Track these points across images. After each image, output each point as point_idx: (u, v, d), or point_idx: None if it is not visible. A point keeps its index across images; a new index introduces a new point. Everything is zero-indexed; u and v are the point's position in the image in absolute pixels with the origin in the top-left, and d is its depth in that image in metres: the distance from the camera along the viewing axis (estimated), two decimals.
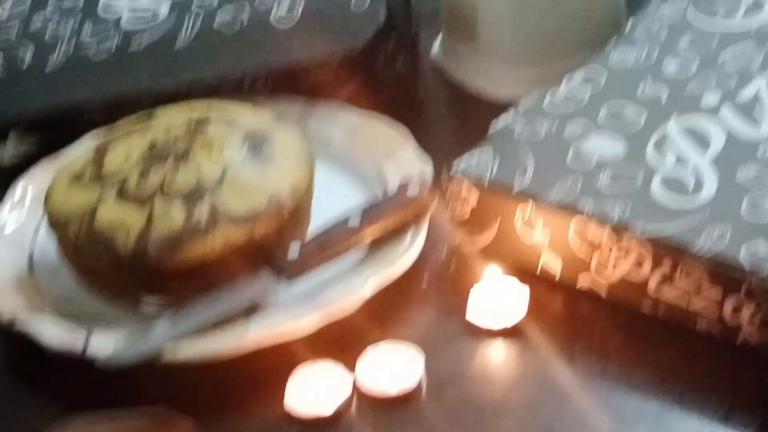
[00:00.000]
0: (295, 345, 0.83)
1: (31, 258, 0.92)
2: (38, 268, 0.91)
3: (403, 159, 0.96)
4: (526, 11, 1.05)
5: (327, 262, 0.87)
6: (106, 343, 0.82)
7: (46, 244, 0.91)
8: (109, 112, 1.00)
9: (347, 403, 0.80)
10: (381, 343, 0.83)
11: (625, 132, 0.90)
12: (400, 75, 1.05)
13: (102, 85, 1.03)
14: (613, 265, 0.84)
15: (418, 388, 0.81)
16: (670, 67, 0.96)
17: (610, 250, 0.83)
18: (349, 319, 0.84)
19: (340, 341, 0.84)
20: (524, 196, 0.86)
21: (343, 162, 0.98)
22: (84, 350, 0.81)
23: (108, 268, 0.85)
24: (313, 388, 0.80)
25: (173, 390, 0.82)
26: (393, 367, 0.82)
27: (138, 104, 0.99)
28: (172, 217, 0.84)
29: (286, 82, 1.03)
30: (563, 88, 0.95)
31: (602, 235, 0.83)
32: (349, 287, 0.85)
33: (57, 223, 0.87)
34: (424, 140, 0.98)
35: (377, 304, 0.86)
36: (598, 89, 0.95)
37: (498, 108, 0.97)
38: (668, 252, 0.81)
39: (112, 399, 0.82)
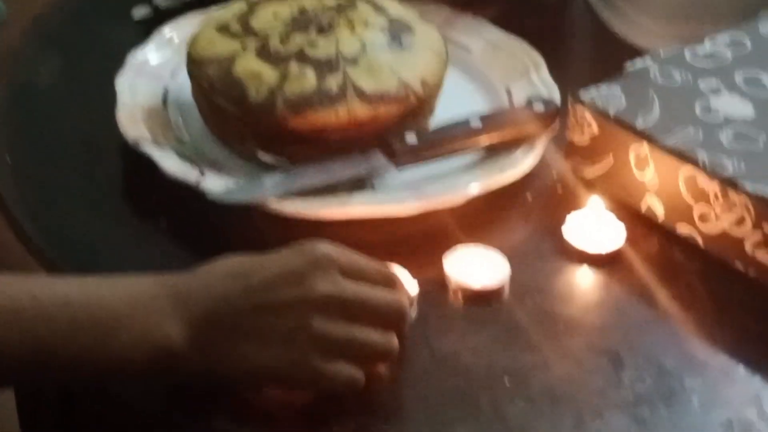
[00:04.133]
0: (392, 226, 0.86)
1: (165, 94, 0.96)
2: (171, 104, 0.95)
3: (533, 82, 0.98)
4: None
5: (441, 157, 0.90)
6: (218, 184, 0.86)
7: (184, 85, 0.95)
8: None
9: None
10: (473, 244, 0.86)
11: (758, 98, 0.91)
12: (549, 5, 1.07)
13: None
14: (715, 218, 0.85)
15: (501, 290, 0.83)
16: None
17: (716, 203, 0.84)
18: (447, 215, 0.87)
19: (432, 236, 0.87)
20: (644, 135, 0.88)
21: (476, 72, 1.01)
22: (198, 183, 0.86)
23: (235, 114, 0.89)
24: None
25: (267, 239, 0.86)
26: (480, 267, 0.84)
27: None
28: (304, 80, 0.88)
29: None
30: (706, 46, 0.96)
31: (711, 187, 0.84)
32: (456, 183, 0.88)
33: (197, 63, 0.91)
34: (558, 69, 1.00)
35: (477, 208, 0.89)
36: (739, 53, 0.95)
37: (636, 53, 0.99)
38: None
39: (216, 228, 0.87)
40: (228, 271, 0.74)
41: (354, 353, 0.73)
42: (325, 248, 0.75)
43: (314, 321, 0.72)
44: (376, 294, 0.75)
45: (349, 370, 0.72)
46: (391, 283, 0.76)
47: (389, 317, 0.75)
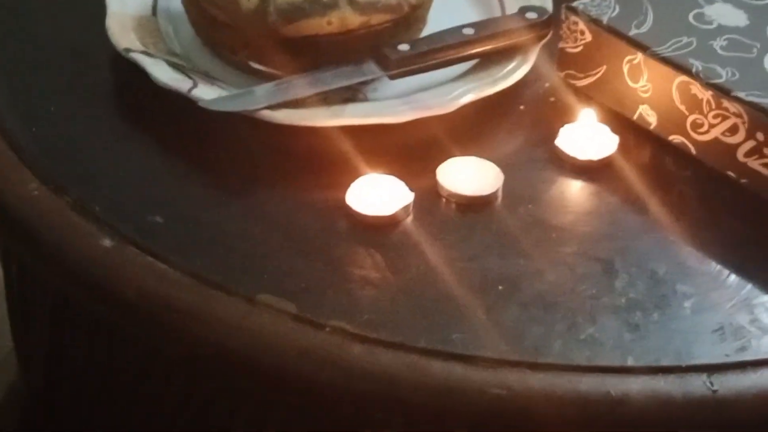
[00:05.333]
0: (385, 136, 0.86)
1: (155, 3, 0.95)
2: (161, 13, 0.95)
3: None
4: None
5: (434, 67, 0.90)
6: (210, 93, 0.86)
7: None
8: None
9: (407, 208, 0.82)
10: (465, 157, 0.86)
11: (752, 6, 0.91)
12: None
13: None
14: (708, 126, 0.85)
15: (493, 198, 0.83)
16: None
17: (709, 111, 0.85)
18: (440, 126, 0.87)
19: (426, 148, 0.87)
20: (637, 43, 0.87)
21: None
22: (189, 92, 0.85)
23: (227, 23, 0.88)
24: (374, 195, 0.82)
25: (257, 150, 0.86)
26: (473, 176, 0.84)
27: None
28: None
29: None
30: None
31: (704, 95, 0.84)
32: (448, 92, 0.88)
33: None
34: None
35: (470, 119, 0.89)
36: None
37: None
38: (765, 123, 0.82)
39: (205, 136, 0.86)
40: None
41: None
42: None
43: None
44: None
45: None
46: None
47: None
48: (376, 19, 0.88)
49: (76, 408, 0.96)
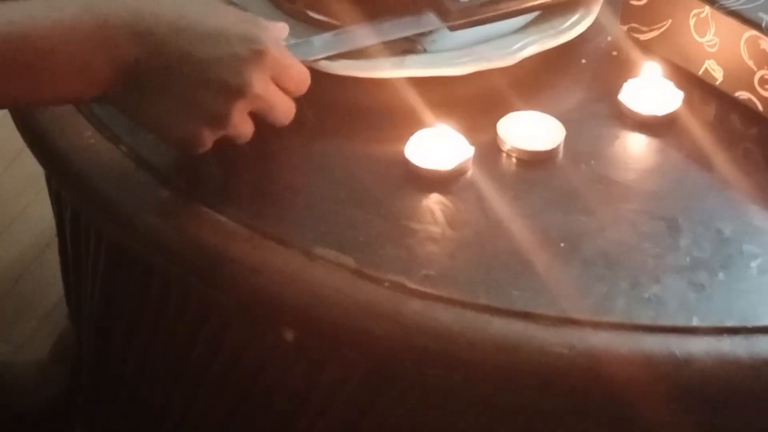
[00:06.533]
0: (445, 88, 0.84)
1: None
2: None
3: None
4: None
5: (494, 18, 0.88)
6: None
7: None
8: None
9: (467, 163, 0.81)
10: (526, 111, 0.84)
11: None
12: None
13: None
14: None
15: (555, 153, 0.82)
16: None
17: None
18: (501, 79, 0.86)
19: (486, 101, 0.85)
20: None
21: None
22: None
23: None
24: (433, 149, 0.81)
25: (315, 101, 0.84)
26: (534, 131, 0.83)
27: None
28: None
29: None
30: None
31: None
32: (509, 44, 0.86)
33: None
34: None
35: (531, 72, 0.87)
36: None
37: None
38: None
39: None
40: (174, 25, 0.74)
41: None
42: (271, 48, 0.76)
43: (236, 109, 0.75)
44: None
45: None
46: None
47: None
48: None
49: (126, 360, 0.95)
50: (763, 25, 0.82)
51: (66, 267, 1.04)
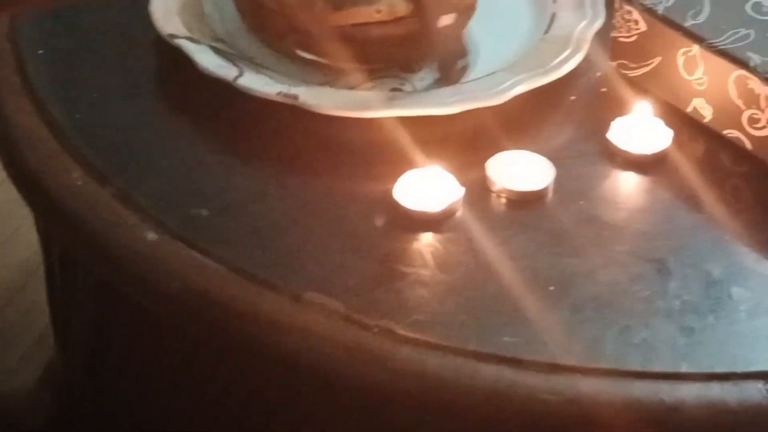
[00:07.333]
0: (435, 127, 0.84)
1: None
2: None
3: None
4: None
5: None
6: (256, 81, 0.84)
7: None
8: None
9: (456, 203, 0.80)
10: (515, 150, 0.84)
11: None
12: None
13: None
14: (765, 122, 0.83)
15: (544, 194, 0.82)
16: None
17: (767, 107, 0.82)
18: (491, 117, 0.85)
19: (475, 140, 0.85)
20: (693, 35, 0.85)
21: None
22: (235, 79, 0.84)
23: (274, 8, 0.86)
24: (422, 190, 0.80)
25: (305, 141, 0.84)
26: (524, 170, 0.83)
27: None
28: None
29: None
30: None
31: (762, 90, 0.82)
32: (498, 82, 0.86)
33: None
34: None
35: (521, 111, 0.87)
36: None
37: None
38: None
39: (251, 126, 0.85)
40: None
41: None
42: None
43: None
44: None
45: None
46: None
47: None
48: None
49: (114, 398, 0.95)
50: (751, 64, 0.83)
51: (54, 305, 1.04)
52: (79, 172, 0.81)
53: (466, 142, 0.85)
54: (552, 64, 0.88)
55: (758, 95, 0.82)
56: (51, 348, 1.27)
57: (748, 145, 0.85)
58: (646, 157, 0.85)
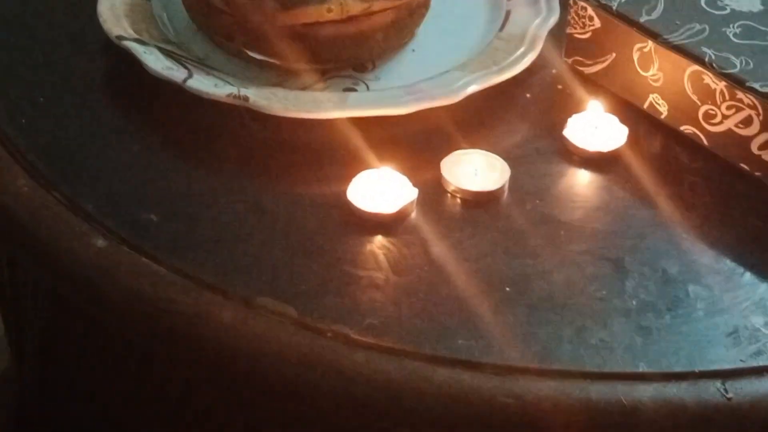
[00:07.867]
0: (388, 128, 0.83)
1: None
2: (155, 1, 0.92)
3: None
4: None
5: None
6: (205, 83, 0.83)
7: None
8: None
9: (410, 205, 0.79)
10: (470, 150, 0.83)
11: None
12: None
13: None
14: (721, 118, 0.82)
15: (500, 194, 0.81)
16: None
17: (722, 102, 0.82)
18: (445, 117, 0.84)
19: (429, 140, 0.84)
20: (647, 30, 0.84)
21: None
22: (184, 81, 0.82)
23: (223, 8, 0.84)
24: (376, 191, 0.79)
25: (255, 143, 0.83)
26: (478, 170, 0.82)
27: None
28: None
29: None
30: None
31: (718, 85, 0.81)
32: (452, 81, 0.85)
33: None
34: None
35: (475, 110, 0.86)
36: None
37: None
38: None
39: (201, 128, 0.84)
40: None
41: None
42: None
43: None
44: None
45: None
46: None
47: None
48: (378, 5, 0.84)
49: (69, 404, 0.93)
50: (706, 60, 0.82)
51: (5, 311, 1.02)
52: (25, 179, 0.79)
53: (421, 142, 0.84)
54: (506, 62, 0.87)
55: (714, 90, 0.82)
56: (5, 361, 1.25)
57: (705, 141, 0.84)
58: (601, 154, 0.84)
